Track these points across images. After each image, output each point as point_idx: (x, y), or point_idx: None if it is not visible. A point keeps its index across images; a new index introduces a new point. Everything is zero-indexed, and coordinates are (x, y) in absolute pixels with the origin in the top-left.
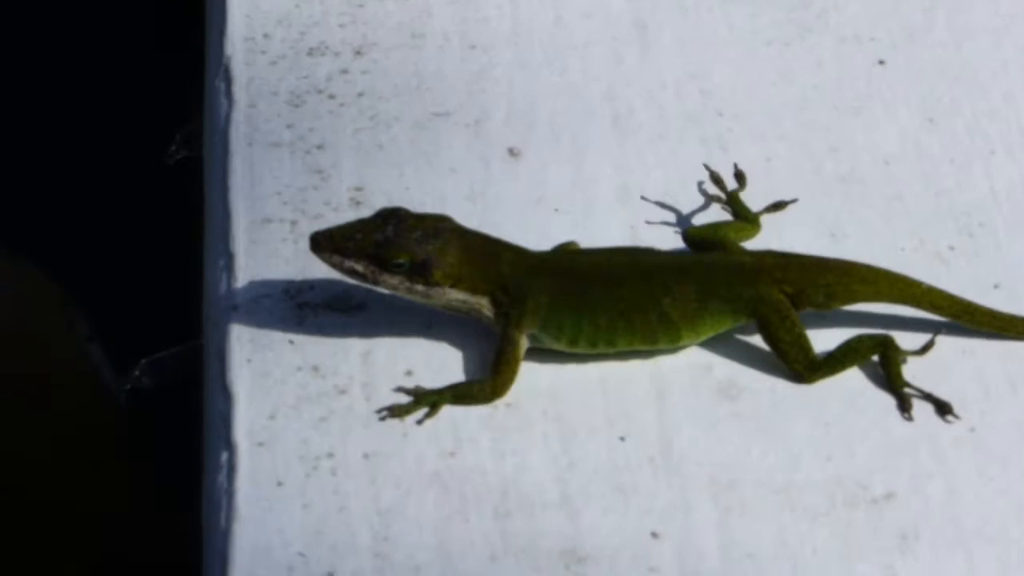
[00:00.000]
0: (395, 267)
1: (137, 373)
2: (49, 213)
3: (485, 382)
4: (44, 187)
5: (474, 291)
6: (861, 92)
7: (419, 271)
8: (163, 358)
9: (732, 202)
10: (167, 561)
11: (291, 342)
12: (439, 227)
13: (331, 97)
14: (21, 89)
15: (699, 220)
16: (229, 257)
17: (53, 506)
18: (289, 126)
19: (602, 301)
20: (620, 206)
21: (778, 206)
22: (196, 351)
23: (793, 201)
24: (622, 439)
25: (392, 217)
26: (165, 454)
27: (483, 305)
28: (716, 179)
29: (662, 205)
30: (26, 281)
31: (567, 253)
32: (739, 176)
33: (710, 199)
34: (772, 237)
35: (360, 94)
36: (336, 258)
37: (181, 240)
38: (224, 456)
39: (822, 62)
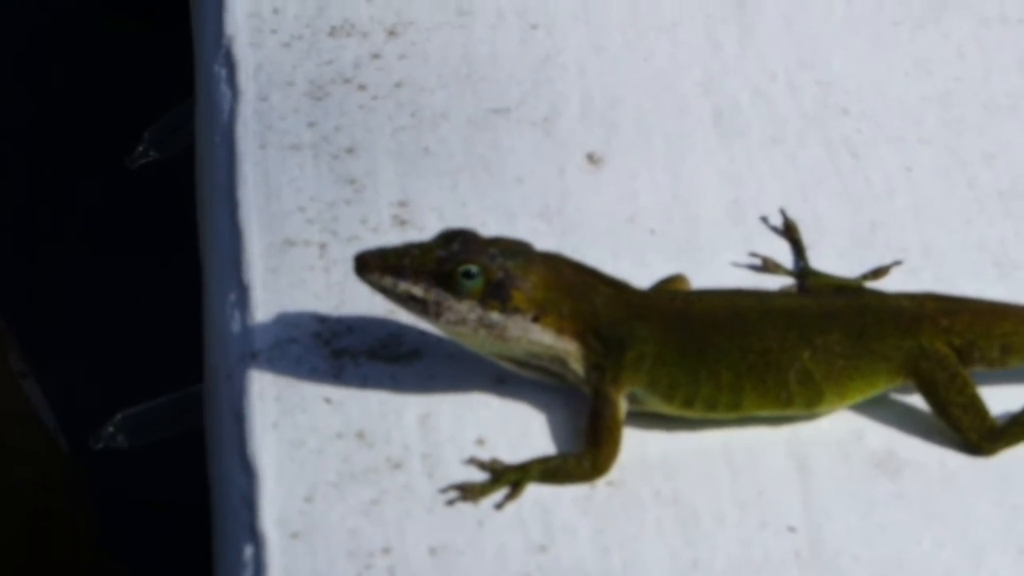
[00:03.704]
0: (464, 288)
1: (110, 429)
2: None
3: (583, 456)
4: None
5: (560, 331)
6: (1014, 86)
7: (495, 292)
8: (145, 412)
9: (807, 277)
10: None
11: (328, 400)
12: (519, 247)
13: (361, 88)
14: None
15: (828, 246)
16: (242, 290)
17: None
18: (311, 124)
19: (725, 354)
20: (733, 226)
21: (878, 273)
22: (191, 404)
23: (897, 264)
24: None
25: (459, 236)
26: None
27: (570, 353)
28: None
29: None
30: None
31: (677, 292)
32: (793, 240)
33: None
34: (925, 270)
35: (397, 84)
36: (388, 280)
37: (153, 261)
38: (248, 551)
39: (963, 49)
